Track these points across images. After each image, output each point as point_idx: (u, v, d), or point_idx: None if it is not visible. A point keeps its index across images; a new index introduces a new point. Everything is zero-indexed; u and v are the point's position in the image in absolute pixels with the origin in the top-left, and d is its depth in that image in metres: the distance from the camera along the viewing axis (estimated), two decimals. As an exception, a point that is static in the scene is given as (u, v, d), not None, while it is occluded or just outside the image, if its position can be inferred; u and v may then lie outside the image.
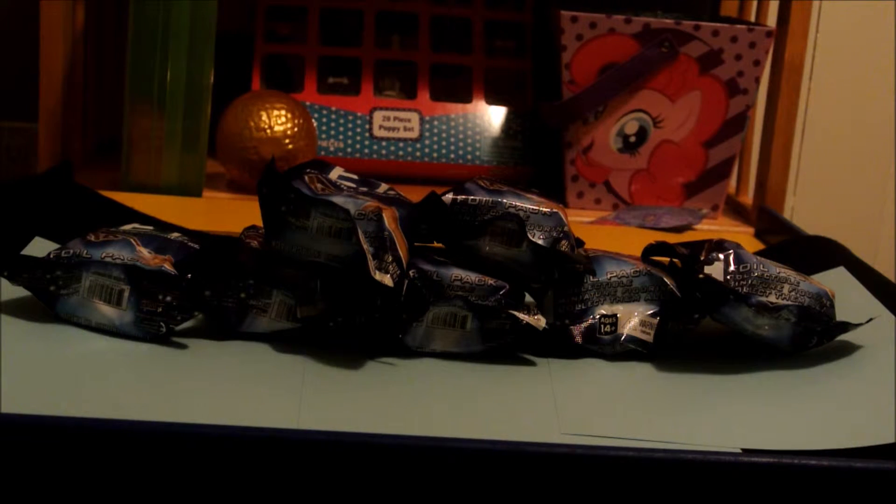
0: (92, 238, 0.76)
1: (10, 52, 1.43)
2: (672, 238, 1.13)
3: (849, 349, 0.80)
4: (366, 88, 1.28)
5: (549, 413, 0.68)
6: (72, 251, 0.75)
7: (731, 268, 0.78)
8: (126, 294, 0.74)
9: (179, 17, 1.11)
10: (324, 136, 1.25)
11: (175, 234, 0.79)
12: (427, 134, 1.27)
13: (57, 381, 0.67)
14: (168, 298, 0.74)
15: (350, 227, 0.73)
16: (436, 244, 0.80)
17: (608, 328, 0.78)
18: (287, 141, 1.14)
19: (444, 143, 1.27)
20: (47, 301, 0.75)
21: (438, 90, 1.30)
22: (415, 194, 0.81)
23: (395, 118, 1.27)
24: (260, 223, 0.77)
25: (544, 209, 0.78)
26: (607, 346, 0.78)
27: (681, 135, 1.23)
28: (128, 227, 0.80)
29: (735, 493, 0.61)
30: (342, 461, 0.60)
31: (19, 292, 0.77)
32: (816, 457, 0.62)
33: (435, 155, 1.27)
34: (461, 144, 1.27)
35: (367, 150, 1.26)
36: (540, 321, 0.75)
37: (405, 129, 1.27)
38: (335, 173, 0.79)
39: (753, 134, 1.33)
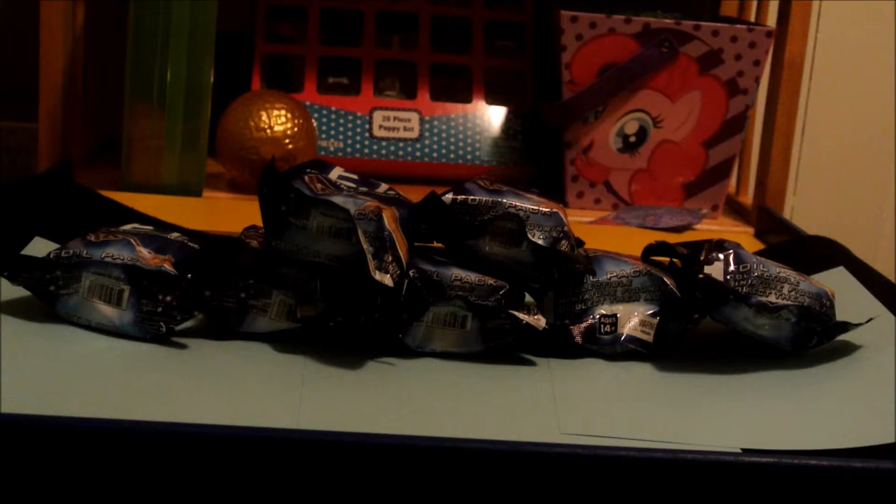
0: (92, 238, 0.76)
1: (10, 52, 1.43)
2: (672, 238, 1.13)
3: (849, 349, 0.80)
4: (366, 88, 1.28)
5: (549, 413, 0.68)
6: (72, 251, 0.75)
7: (731, 268, 0.78)
8: (126, 294, 0.74)
9: (179, 17, 1.11)
10: (324, 136, 1.25)
11: (175, 234, 0.79)
12: (427, 134, 1.27)
13: (57, 381, 0.67)
14: (168, 298, 0.74)
15: (350, 227, 0.73)
16: (436, 244, 0.80)
17: (608, 328, 0.78)
18: (287, 141, 1.14)
19: (444, 143, 1.27)
20: (47, 301, 0.75)
21: (438, 90, 1.30)
22: (415, 194, 0.81)
23: (395, 118, 1.27)
24: (260, 223, 0.77)
25: (544, 209, 0.78)
26: (607, 346, 0.78)
27: (681, 135, 1.23)
28: (128, 227, 0.80)
29: (735, 493, 0.61)
30: (342, 461, 0.60)
31: (19, 292, 0.77)
32: (816, 457, 0.62)
33: (435, 155, 1.27)
34: (461, 144, 1.27)
35: (367, 150, 1.26)
36: (540, 321, 0.75)
37: (405, 129, 1.27)
38: (335, 173, 0.79)
39: (753, 134, 1.33)
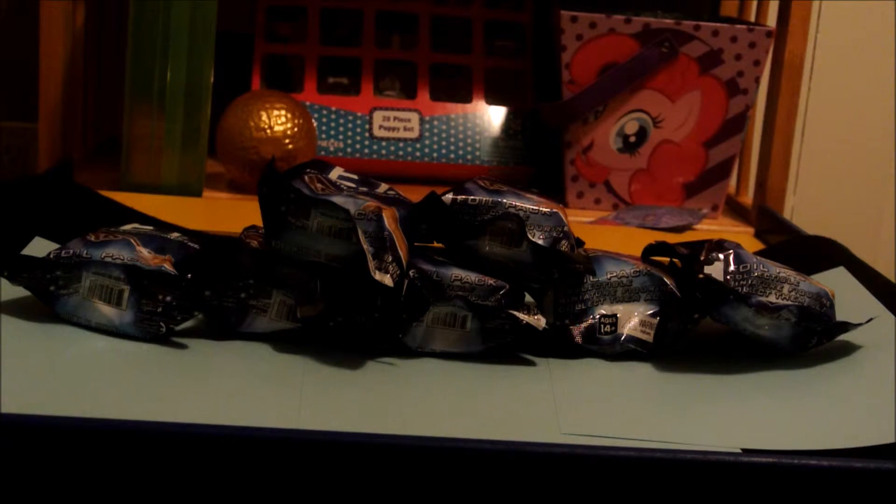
0: (92, 238, 0.76)
1: (10, 52, 1.43)
2: (672, 238, 1.13)
3: (849, 349, 0.80)
4: (366, 88, 1.28)
5: (549, 413, 0.68)
6: (72, 251, 0.75)
7: (731, 268, 0.78)
8: (126, 294, 0.74)
9: (179, 17, 1.11)
10: (324, 136, 1.25)
11: (175, 234, 0.79)
12: (427, 134, 1.27)
13: (57, 381, 0.67)
14: (168, 298, 0.74)
15: (350, 227, 0.73)
16: (436, 244, 0.80)
17: (608, 328, 0.78)
18: (287, 141, 1.14)
19: (444, 143, 1.27)
20: (47, 301, 0.75)
21: (438, 90, 1.30)
22: (415, 194, 0.81)
23: (395, 118, 1.27)
24: (260, 223, 0.77)
25: (544, 209, 0.78)
26: (607, 346, 0.78)
27: (681, 135, 1.23)
28: (128, 227, 0.80)
29: (735, 493, 0.61)
30: (342, 461, 0.60)
31: (19, 292, 0.77)
32: (816, 457, 0.62)
33: (435, 155, 1.27)
34: (461, 144, 1.27)
35: (367, 150, 1.26)
36: (540, 321, 0.75)
37: (405, 129, 1.27)
38: (335, 173, 0.79)
39: (753, 134, 1.33)
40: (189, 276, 0.75)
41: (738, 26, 1.20)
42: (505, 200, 0.77)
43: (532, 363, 0.76)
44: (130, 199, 1.09)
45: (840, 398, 0.73)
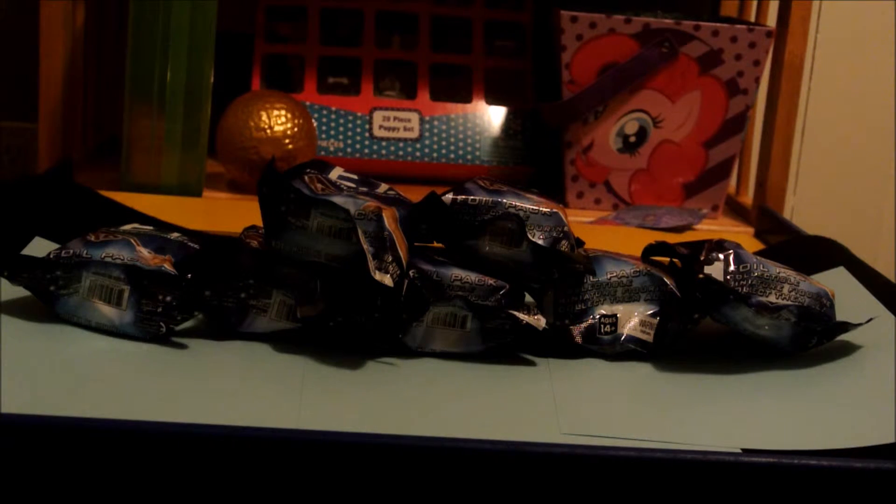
0: (92, 238, 0.76)
1: (10, 52, 1.43)
2: (672, 238, 1.13)
3: (849, 349, 0.80)
4: (366, 88, 1.28)
5: (549, 413, 0.68)
6: (72, 251, 0.75)
7: (731, 268, 0.78)
8: (126, 294, 0.74)
9: (179, 17, 1.11)
10: (324, 136, 1.25)
11: (175, 234, 0.79)
12: (427, 134, 1.27)
13: (57, 381, 0.67)
14: (168, 298, 0.74)
15: (350, 227, 0.73)
16: (436, 244, 0.80)
17: (608, 328, 0.78)
18: (287, 141, 1.14)
19: (444, 143, 1.27)
20: (47, 301, 0.75)
21: (438, 90, 1.30)
22: (415, 194, 0.81)
23: (395, 118, 1.27)
24: (260, 223, 0.77)
25: (544, 209, 0.78)
26: (607, 346, 0.78)
27: (681, 135, 1.23)
28: (128, 227, 0.80)
29: (735, 493, 0.61)
30: (342, 461, 0.60)
31: (19, 292, 0.77)
32: (816, 457, 0.62)
33: (435, 155, 1.27)
34: (461, 144, 1.27)
35: (367, 150, 1.26)
36: (540, 321, 0.75)
37: (405, 129, 1.27)
38: (335, 173, 0.79)
39: (753, 134, 1.33)
40: (189, 276, 0.75)
41: (738, 26, 1.20)
42: (505, 200, 0.77)
43: (532, 363, 0.76)
44: (130, 199, 1.09)
45: (840, 398, 0.73)
